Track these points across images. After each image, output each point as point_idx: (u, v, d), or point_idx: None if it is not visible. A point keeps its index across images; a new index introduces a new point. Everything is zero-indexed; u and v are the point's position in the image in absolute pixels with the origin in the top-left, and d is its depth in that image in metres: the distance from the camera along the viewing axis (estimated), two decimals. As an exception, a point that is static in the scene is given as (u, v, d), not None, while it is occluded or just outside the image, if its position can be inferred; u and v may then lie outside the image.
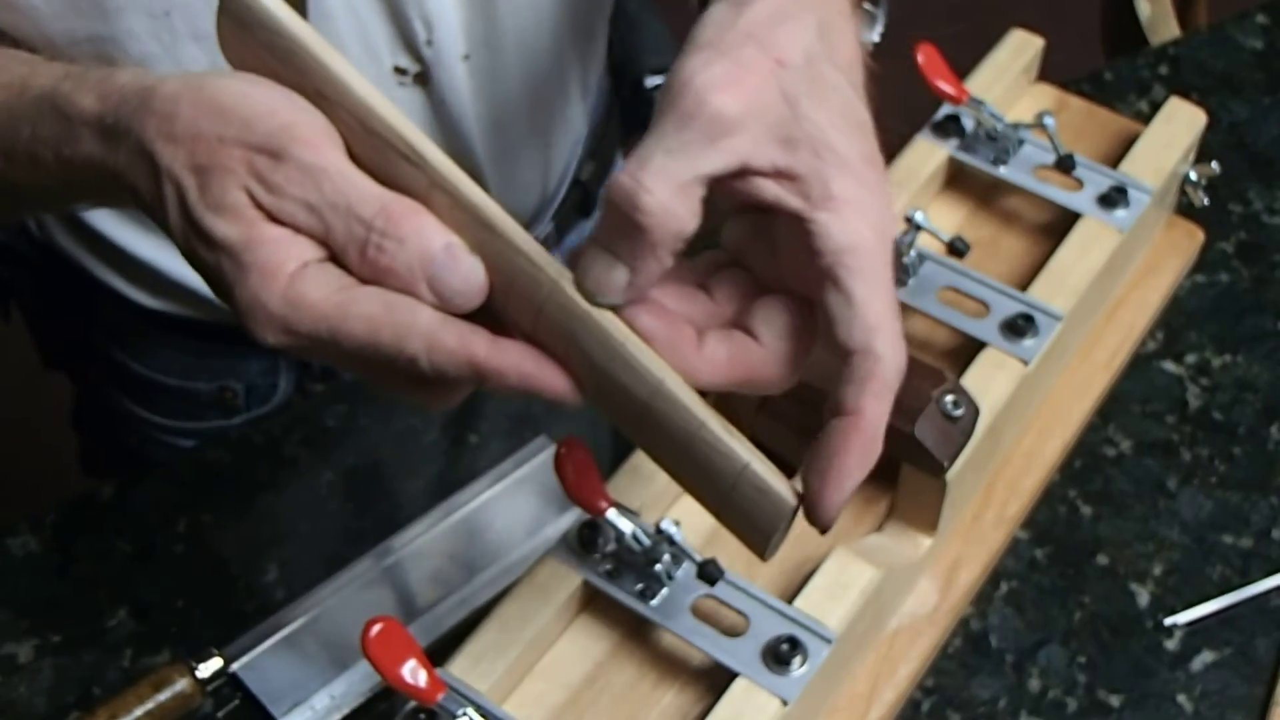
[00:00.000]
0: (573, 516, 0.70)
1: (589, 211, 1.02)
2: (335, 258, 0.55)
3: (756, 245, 0.57)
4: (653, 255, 0.53)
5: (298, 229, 0.54)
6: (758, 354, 0.56)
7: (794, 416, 0.76)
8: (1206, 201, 0.89)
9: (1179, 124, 0.87)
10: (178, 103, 0.55)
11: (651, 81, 1.03)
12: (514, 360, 0.54)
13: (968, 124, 0.85)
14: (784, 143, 0.54)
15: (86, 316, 0.99)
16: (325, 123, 0.55)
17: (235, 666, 0.75)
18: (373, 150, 0.56)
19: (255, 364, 0.98)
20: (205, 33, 0.76)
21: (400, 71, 0.84)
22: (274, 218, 0.54)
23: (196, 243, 0.55)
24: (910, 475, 0.73)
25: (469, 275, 0.54)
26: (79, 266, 0.94)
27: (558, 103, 0.95)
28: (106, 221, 0.90)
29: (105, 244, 0.91)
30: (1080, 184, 0.83)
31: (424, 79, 0.85)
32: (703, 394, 0.56)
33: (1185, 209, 0.91)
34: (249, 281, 0.54)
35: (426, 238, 0.54)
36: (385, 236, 0.54)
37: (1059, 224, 0.83)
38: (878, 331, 0.53)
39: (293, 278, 0.54)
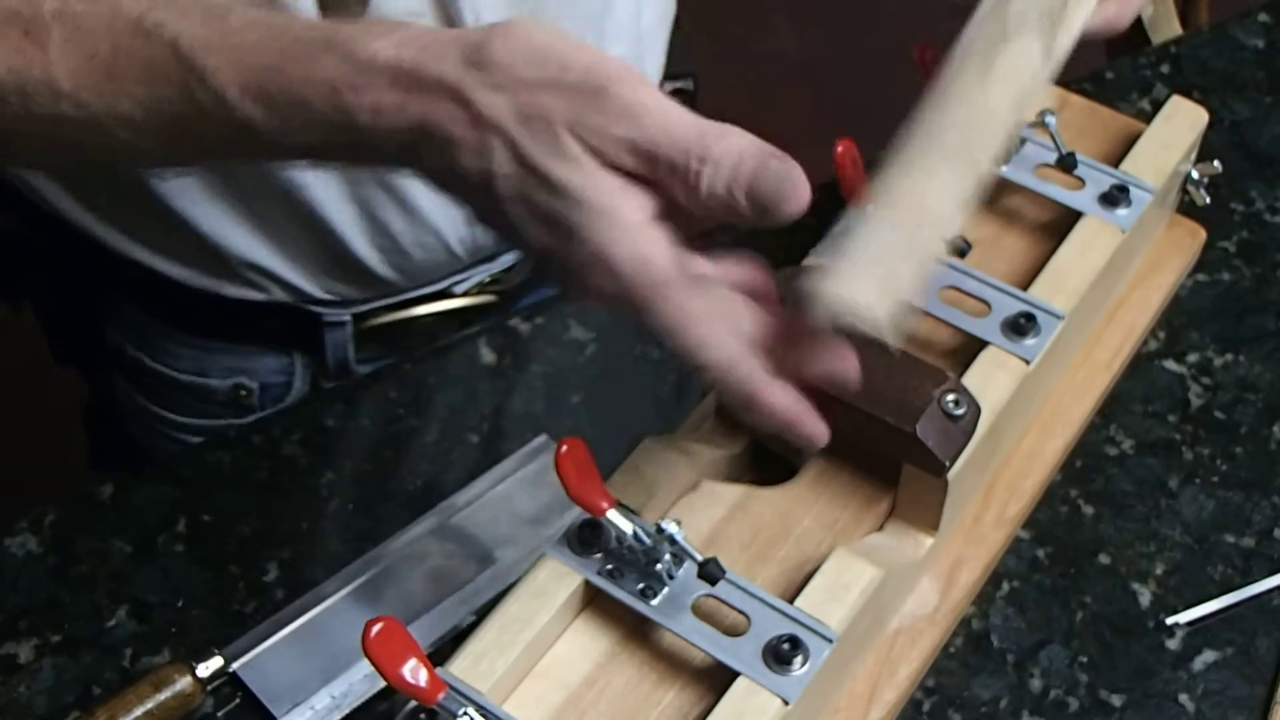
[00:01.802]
0: (573, 516, 0.70)
1: None
2: (659, 202, 0.57)
3: None
4: None
5: (625, 171, 0.56)
6: None
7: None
8: (1208, 200, 0.89)
9: (1180, 123, 0.87)
10: (491, 49, 0.56)
11: (669, 86, 1.03)
12: (784, 403, 0.59)
13: (969, 123, 0.85)
14: None
15: (100, 310, 0.98)
16: None
17: (235, 666, 0.75)
18: None
19: (270, 362, 0.98)
20: None
21: None
22: (604, 162, 0.56)
23: (535, 190, 0.56)
24: (911, 475, 0.73)
25: (785, 176, 0.56)
26: (95, 241, 0.92)
27: None
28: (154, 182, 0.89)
29: (137, 207, 0.89)
30: (1082, 183, 0.83)
31: None
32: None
33: (1187, 208, 0.91)
34: (598, 228, 0.56)
35: (742, 149, 0.56)
36: (704, 162, 0.56)
37: (1060, 223, 0.83)
38: None
39: (640, 229, 0.56)
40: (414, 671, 0.61)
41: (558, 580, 0.68)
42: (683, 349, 0.58)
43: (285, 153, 0.64)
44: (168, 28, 0.62)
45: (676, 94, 1.01)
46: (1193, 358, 0.88)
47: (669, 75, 1.01)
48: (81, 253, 0.94)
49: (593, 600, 0.70)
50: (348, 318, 0.95)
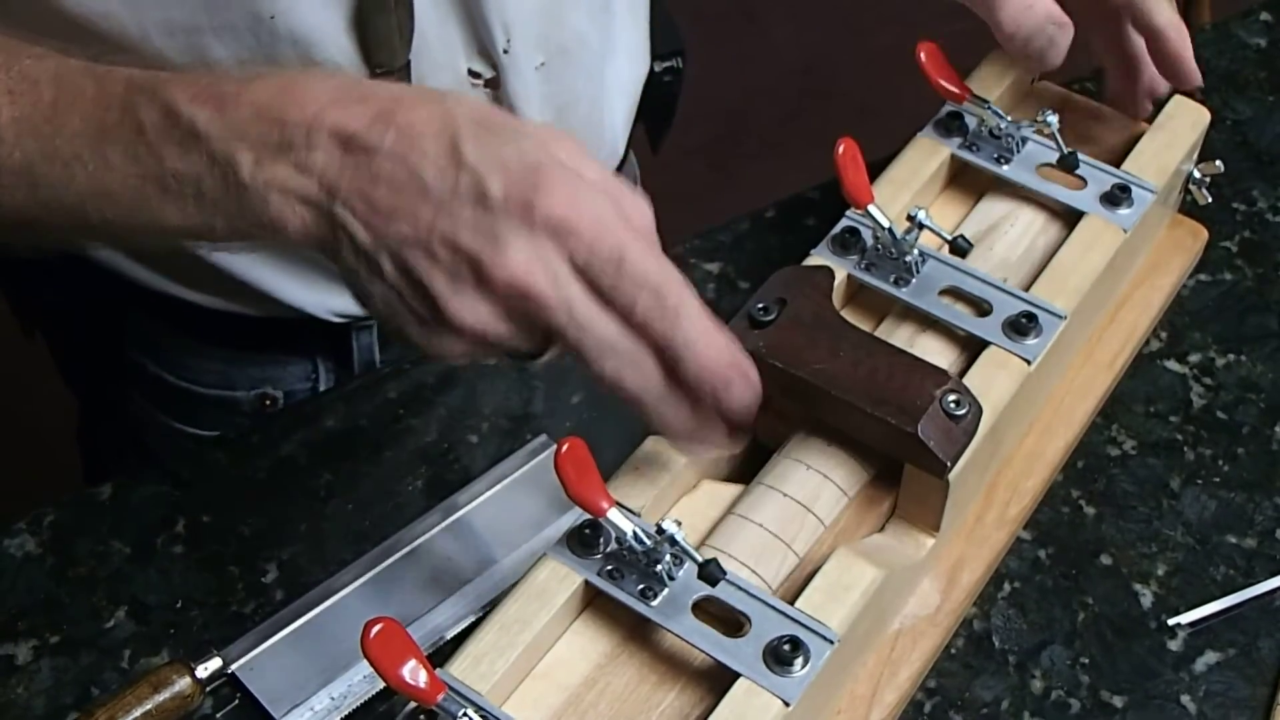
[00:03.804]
0: (573, 516, 0.70)
1: None
2: None
3: None
4: None
5: None
6: None
7: (794, 415, 0.76)
8: (1210, 200, 0.89)
9: (1182, 122, 0.87)
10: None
11: (660, 66, 1.02)
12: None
13: (970, 122, 0.85)
14: None
15: (118, 329, 0.97)
16: None
17: (234, 667, 0.75)
18: None
19: (295, 369, 0.97)
20: (301, 35, 0.77)
21: (474, 75, 0.85)
22: None
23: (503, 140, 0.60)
24: (913, 475, 0.73)
25: None
26: (115, 273, 0.92)
27: (606, 102, 0.94)
28: None
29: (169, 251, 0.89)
30: (1083, 182, 0.83)
31: (495, 84, 0.86)
32: None
33: (1189, 208, 0.91)
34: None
35: None
36: None
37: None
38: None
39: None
40: (413, 672, 0.61)
41: (558, 581, 0.68)
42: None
43: (219, 177, 0.62)
44: (120, 70, 0.62)
45: (666, 73, 1.01)
46: (1195, 358, 0.88)
47: (658, 55, 1.01)
48: (103, 279, 0.93)
49: (593, 601, 0.70)
50: (374, 321, 0.95)
